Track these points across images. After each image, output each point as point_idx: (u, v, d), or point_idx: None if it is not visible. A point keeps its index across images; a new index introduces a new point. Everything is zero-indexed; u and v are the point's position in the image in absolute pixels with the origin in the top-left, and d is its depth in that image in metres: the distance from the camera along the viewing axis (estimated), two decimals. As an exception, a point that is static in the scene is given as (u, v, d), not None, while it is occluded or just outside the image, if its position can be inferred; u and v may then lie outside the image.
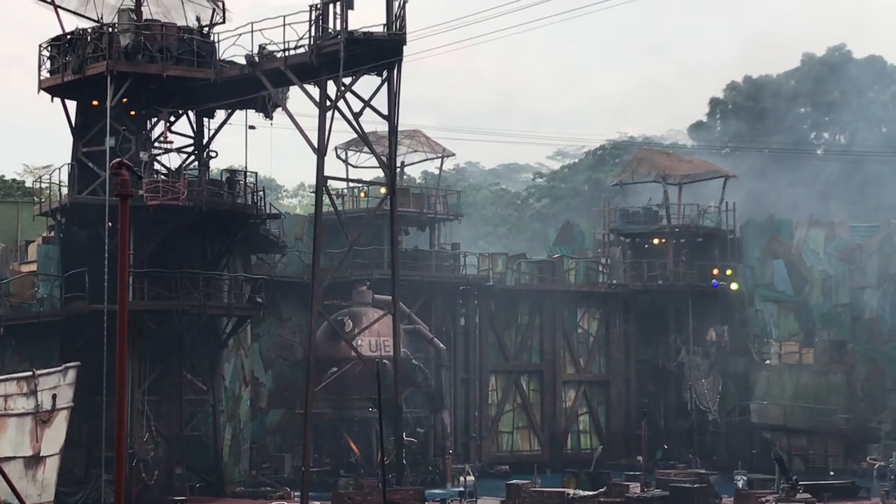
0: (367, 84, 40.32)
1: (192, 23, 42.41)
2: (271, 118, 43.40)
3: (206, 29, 42.21)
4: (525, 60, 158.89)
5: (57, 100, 41.77)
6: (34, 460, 34.51)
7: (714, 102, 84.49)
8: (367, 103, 39.80)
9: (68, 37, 40.84)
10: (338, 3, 37.94)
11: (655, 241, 60.03)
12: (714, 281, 58.32)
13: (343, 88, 38.91)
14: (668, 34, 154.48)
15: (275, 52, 39.31)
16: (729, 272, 58.63)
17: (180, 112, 42.97)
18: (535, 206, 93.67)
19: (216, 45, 41.12)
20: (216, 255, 42.59)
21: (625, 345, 59.86)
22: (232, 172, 42.99)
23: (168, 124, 42.18)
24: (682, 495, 38.09)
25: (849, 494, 40.07)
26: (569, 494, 39.46)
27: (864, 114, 78.59)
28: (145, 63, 39.94)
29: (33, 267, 41.95)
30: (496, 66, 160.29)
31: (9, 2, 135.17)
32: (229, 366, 44.16)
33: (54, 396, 34.83)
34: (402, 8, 38.15)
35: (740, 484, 43.62)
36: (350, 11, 37.88)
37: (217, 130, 43.85)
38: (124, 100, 40.08)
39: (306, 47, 38.58)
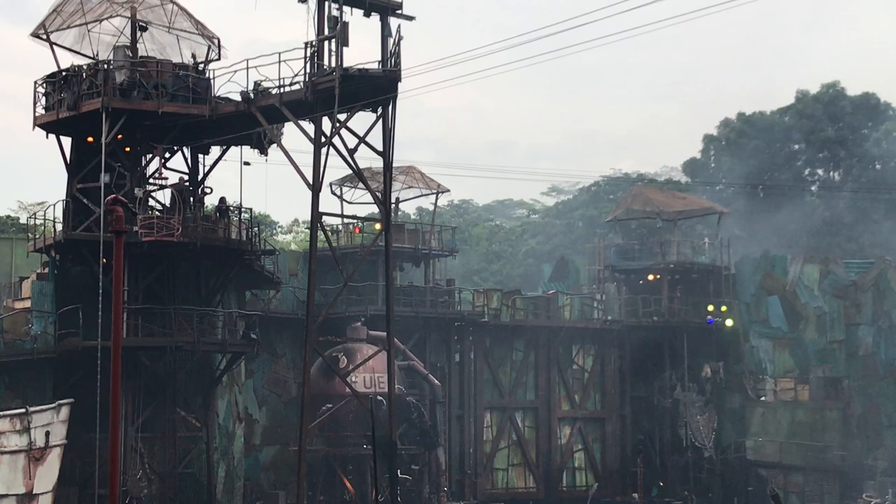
0: (362, 120, 40.41)
1: (188, 59, 42.52)
2: (266, 154, 43.41)
3: (202, 65, 42.32)
4: (521, 97, 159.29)
5: (52, 136, 41.72)
6: (27, 498, 34.29)
7: (708, 139, 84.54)
8: (361, 139, 39.81)
9: (63, 73, 40.86)
10: (333, 40, 38.04)
11: (650, 277, 60.02)
12: (709, 317, 58.29)
13: (338, 125, 38.93)
14: (665, 73, 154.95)
15: (270, 88, 39.36)
16: (724, 308, 58.65)
17: (175, 148, 42.98)
18: (529, 242, 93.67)
19: (211, 81, 41.16)
20: (210, 291, 42.52)
21: (620, 381, 59.72)
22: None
23: (163, 161, 42.21)
24: (677, 533, 37.98)
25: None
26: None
27: (858, 151, 78.84)
28: (140, 99, 39.98)
29: (27, 303, 41.82)
30: (492, 103, 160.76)
31: (4, 38, 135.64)
32: (223, 402, 44.01)
33: (47, 433, 34.65)
34: (397, 45, 38.26)
35: (736, 521, 43.55)
36: (345, 48, 37.98)
37: (212, 167, 43.90)
38: (119, 136, 40.07)
39: (301, 84, 38.63)
